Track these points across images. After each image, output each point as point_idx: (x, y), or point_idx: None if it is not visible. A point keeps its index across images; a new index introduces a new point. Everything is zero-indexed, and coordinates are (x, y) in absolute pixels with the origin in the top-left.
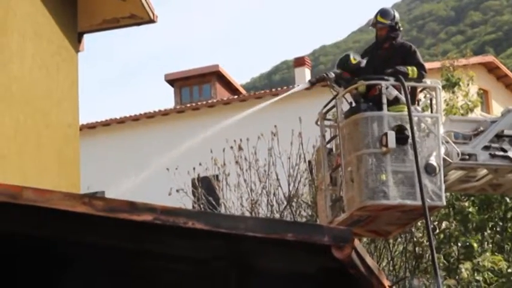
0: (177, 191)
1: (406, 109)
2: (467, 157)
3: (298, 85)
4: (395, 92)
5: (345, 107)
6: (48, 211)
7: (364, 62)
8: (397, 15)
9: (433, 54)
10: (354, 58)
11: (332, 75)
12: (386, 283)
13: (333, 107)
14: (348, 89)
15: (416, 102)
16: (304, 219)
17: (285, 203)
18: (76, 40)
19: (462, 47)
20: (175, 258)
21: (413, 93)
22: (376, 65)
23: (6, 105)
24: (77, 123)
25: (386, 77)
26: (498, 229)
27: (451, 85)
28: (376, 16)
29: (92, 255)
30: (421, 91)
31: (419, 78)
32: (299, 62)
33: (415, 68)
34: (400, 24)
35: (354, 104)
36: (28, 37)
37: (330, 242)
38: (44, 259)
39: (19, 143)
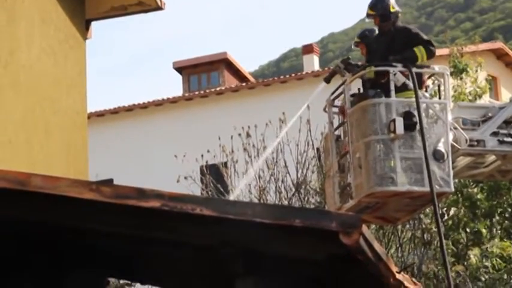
0: (185, 178)
1: (414, 95)
2: (475, 143)
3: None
4: (403, 79)
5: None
6: (56, 198)
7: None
8: (390, 2)
9: (442, 41)
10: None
11: (341, 65)
12: (394, 269)
13: (341, 93)
14: (356, 75)
15: (425, 88)
16: (312, 206)
17: (293, 190)
18: (84, 27)
19: (471, 33)
20: (183, 244)
21: (420, 78)
22: (380, 53)
23: (15, 93)
24: (85, 110)
25: (394, 64)
26: (507, 215)
27: (459, 71)
28: (367, 8)
29: (100, 242)
30: (429, 77)
31: (430, 55)
32: (307, 49)
33: (421, 48)
34: (395, 10)
35: (361, 91)
36: (36, 24)
37: (337, 228)
38: (51, 246)
39: (27, 130)
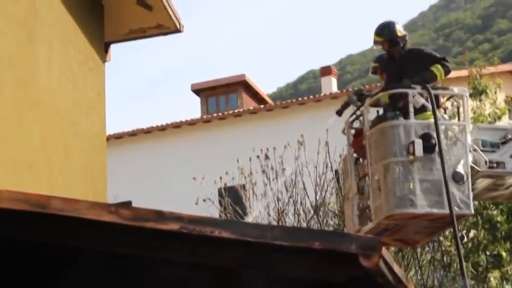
0: (204, 200)
1: (432, 117)
2: (495, 165)
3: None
4: (422, 100)
5: (372, 116)
6: (75, 220)
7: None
8: (396, 27)
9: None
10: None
11: (354, 96)
12: None
13: (360, 115)
14: (374, 98)
15: (444, 110)
16: (331, 228)
17: (312, 212)
18: (103, 50)
19: (489, 55)
20: (202, 267)
21: (436, 99)
22: (392, 77)
23: (34, 115)
24: (104, 132)
25: (412, 86)
26: None
27: (478, 93)
28: (374, 36)
29: (119, 265)
30: (448, 99)
31: (447, 72)
32: (325, 71)
33: (438, 66)
34: (402, 34)
35: (380, 113)
36: (55, 47)
37: (357, 250)
38: (69, 268)
39: (46, 153)
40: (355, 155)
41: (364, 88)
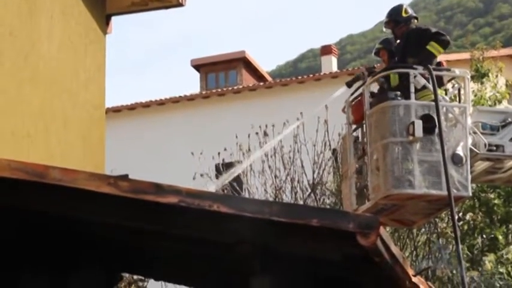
0: (201, 175)
1: (432, 95)
2: (494, 148)
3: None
4: (423, 81)
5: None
6: (73, 191)
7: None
8: (403, 8)
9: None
10: None
11: (366, 72)
12: (411, 272)
13: (360, 94)
14: (375, 77)
15: (444, 91)
16: (328, 207)
17: (309, 190)
18: (104, 22)
19: (490, 39)
20: (199, 241)
21: (439, 80)
22: (398, 57)
23: (34, 85)
24: (104, 105)
25: (414, 66)
26: None
27: (480, 76)
28: (385, 18)
29: (114, 236)
30: (449, 81)
31: (443, 45)
32: (326, 50)
33: (433, 43)
34: (408, 14)
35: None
36: (56, 18)
37: (355, 229)
38: (66, 238)
39: (45, 123)
40: (354, 133)
41: (376, 67)
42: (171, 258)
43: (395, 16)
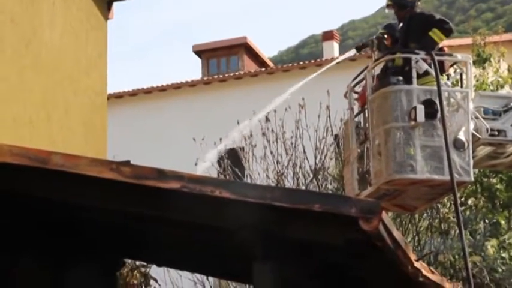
0: (204, 161)
1: (435, 82)
2: (496, 133)
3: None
4: (425, 66)
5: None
6: (75, 176)
7: None
8: None
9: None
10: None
11: (375, 41)
12: (413, 257)
13: (362, 79)
14: (377, 62)
15: (446, 76)
16: (329, 192)
17: (311, 175)
18: (105, 8)
19: (492, 24)
20: (201, 226)
21: (442, 65)
22: (401, 41)
23: (36, 72)
24: (105, 91)
25: (416, 51)
26: None
27: (481, 61)
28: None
29: (117, 222)
30: (451, 66)
31: (446, 33)
32: (327, 36)
33: (436, 30)
34: None
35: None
36: (58, 4)
37: (357, 213)
38: (69, 224)
39: (47, 110)
40: (356, 119)
41: (386, 38)
42: (174, 244)
43: (399, 0)
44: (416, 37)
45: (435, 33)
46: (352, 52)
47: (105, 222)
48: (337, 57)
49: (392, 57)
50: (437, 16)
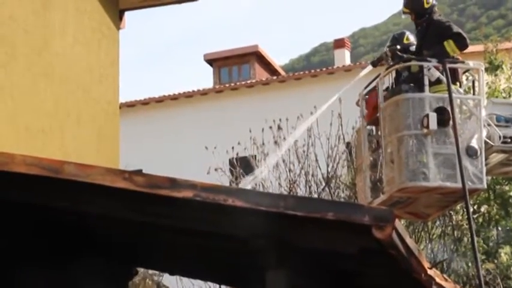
0: (215, 170)
1: (447, 89)
2: (509, 140)
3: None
4: (437, 74)
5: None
6: (88, 186)
7: (414, 45)
8: None
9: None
10: (408, 38)
11: (389, 53)
12: (426, 265)
13: (374, 87)
14: (389, 70)
15: (459, 83)
16: (342, 201)
17: (324, 183)
18: (117, 17)
19: (503, 31)
20: (214, 235)
21: (454, 73)
22: (417, 47)
23: (48, 81)
24: (117, 100)
25: (428, 58)
26: None
27: (493, 68)
28: (403, 6)
29: (130, 231)
30: (464, 73)
31: (461, 46)
32: (339, 43)
33: (450, 42)
34: (430, 4)
35: (394, 86)
36: (70, 13)
37: (370, 221)
38: (82, 233)
39: (59, 119)
40: (368, 127)
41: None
42: (186, 253)
43: (418, 8)
44: (431, 45)
45: (449, 45)
46: (368, 68)
47: (117, 231)
48: (349, 65)
49: (403, 66)
50: (456, 29)
